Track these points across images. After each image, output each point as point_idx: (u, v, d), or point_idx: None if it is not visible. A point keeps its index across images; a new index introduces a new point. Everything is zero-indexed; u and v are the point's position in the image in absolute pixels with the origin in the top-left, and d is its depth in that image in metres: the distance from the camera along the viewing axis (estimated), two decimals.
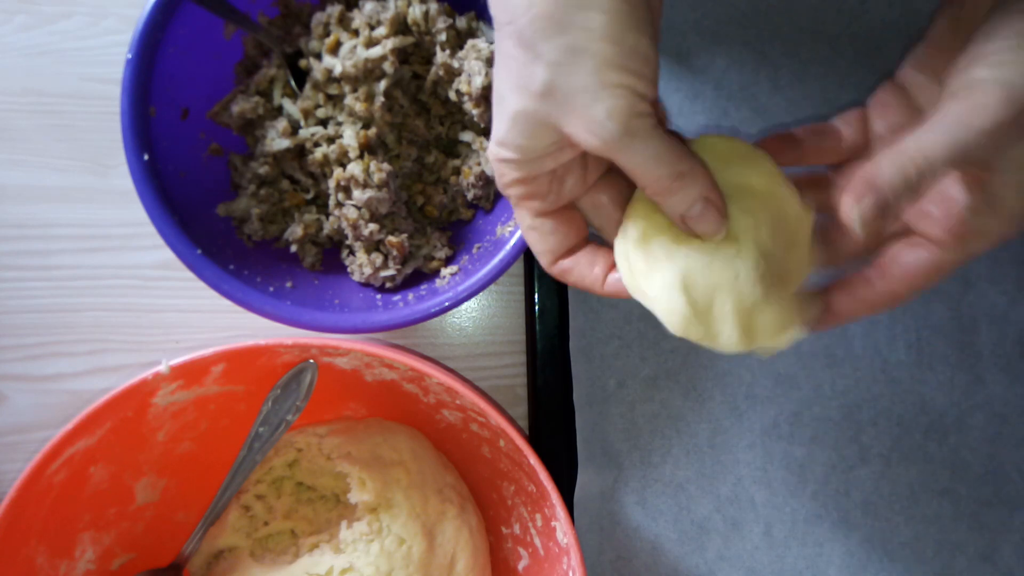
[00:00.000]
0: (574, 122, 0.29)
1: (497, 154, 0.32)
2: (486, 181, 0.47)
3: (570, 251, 0.35)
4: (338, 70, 0.45)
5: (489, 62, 0.43)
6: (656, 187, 0.30)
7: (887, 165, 0.28)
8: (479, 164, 0.47)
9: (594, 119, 0.28)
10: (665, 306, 0.31)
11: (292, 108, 0.46)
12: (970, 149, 0.28)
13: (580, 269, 0.35)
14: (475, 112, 0.45)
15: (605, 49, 0.27)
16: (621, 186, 0.34)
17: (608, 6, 0.27)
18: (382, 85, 0.44)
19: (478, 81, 0.43)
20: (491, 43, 0.44)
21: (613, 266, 0.34)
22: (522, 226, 0.35)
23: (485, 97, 0.44)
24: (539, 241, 0.35)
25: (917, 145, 0.28)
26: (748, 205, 0.32)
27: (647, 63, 0.29)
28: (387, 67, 0.44)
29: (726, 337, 0.31)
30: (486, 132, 0.47)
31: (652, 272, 0.32)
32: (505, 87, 0.30)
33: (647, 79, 0.29)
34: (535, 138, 0.30)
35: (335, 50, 0.45)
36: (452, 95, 0.45)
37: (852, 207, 0.28)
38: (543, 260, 0.35)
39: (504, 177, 0.32)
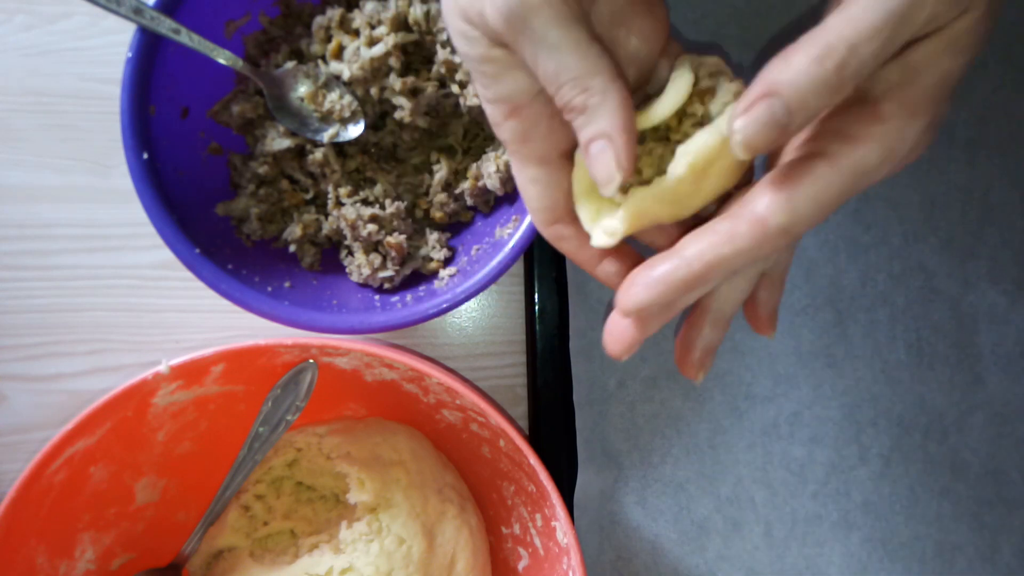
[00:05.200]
0: None
1: (479, 93, 0.28)
2: (484, 189, 0.47)
3: (571, 214, 0.30)
4: (347, 75, 0.45)
5: None
6: (558, 97, 0.26)
7: (797, 65, 0.22)
8: (480, 178, 0.47)
9: None
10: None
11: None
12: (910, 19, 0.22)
13: (578, 241, 0.31)
14: (475, 101, 0.44)
15: None
16: None
17: None
18: (391, 81, 0.45)
19: None
20: None
21: (611, 251, 0.30)
22: (520, 179, 0.30)
23: None
24: (538, 196, 0.30)
25: (839, 32, 0.22)
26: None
27: None
28: (393, 62, 0.44)
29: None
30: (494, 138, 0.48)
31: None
32: None
33: None
34: (469, 39, 0.26)
35: (338, 54, 0.46)
36: (455, 88, 0.45)
37: (739, 120, 0.23)
38: (538, 218, 0.31)
39: (493, 115, 0.28)
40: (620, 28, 0.29)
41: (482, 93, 0.29)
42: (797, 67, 0.22)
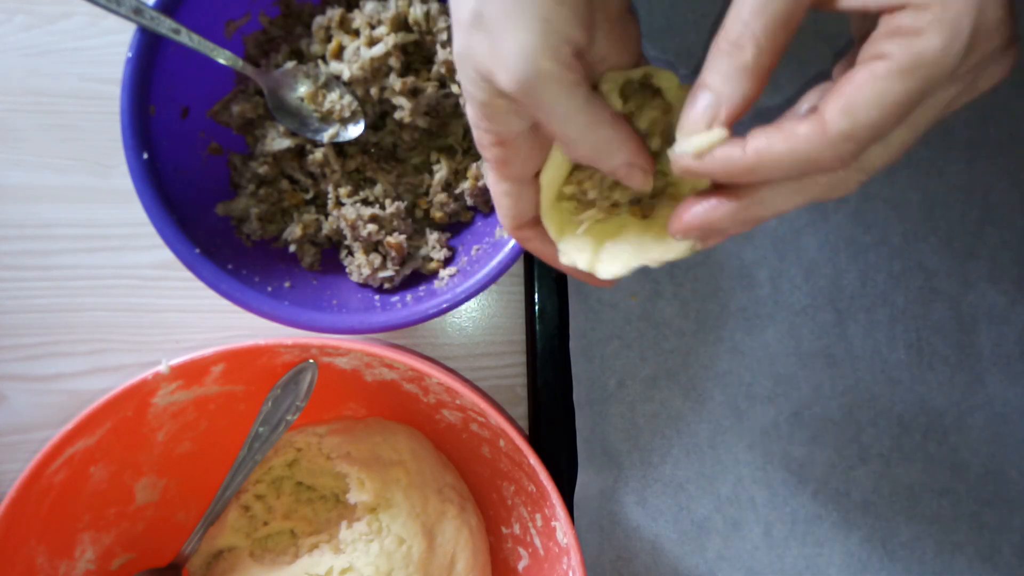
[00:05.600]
0: (496, 58, 0.26)
1: (469, 116, 0.29)
2: (484, 190, 0.47)
3: (536, 219, 0.33)
4: (346, 75, 0.45)
5: None
6: (574, 151, 0.28)
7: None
8: (480, 178, 0.47)
9: (509, 53, 0.25)
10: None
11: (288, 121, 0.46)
12: None
13: (543, 240, 0.33)
14: None
15: None
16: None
17: None
18: (391, 81, 0.45)
19: None
20: None
21: None
22: (495, 190, 0.32)
23: None
24: (509, 206, 0.32)
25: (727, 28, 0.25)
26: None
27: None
28: (393, 62, 0.44)
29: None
30: None
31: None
32: (452, 28, 0.28)
33: (576, 16, 0.25)
34: (478, 84, 0.27)
35: (338, 54, 0.46)
36: (455, 88, 0.45)
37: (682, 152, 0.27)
38: (507, 223, 0.33)
39: (480, 138, 0.30)
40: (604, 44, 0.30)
41: (475, 123, 0.30)
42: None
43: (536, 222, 0.33)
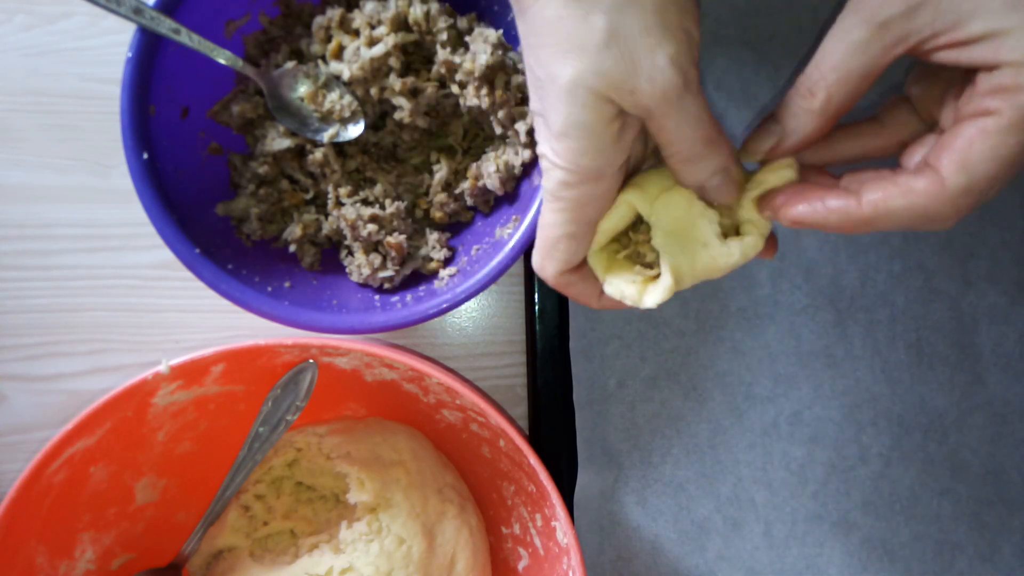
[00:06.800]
0: (636, 72, 0.27)
1: (558, 155, 0.29)
2: (484, 189, 0.47)
3: (581, 263, 0.33)
4: (346, 75, 0.45)
5: (496, 48, 0.43)
6: (686, 152, 0.29)
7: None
8: (480, 178, 0.47)
9: (656, 65, 0.27)
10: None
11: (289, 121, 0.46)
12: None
13: (583, 285, 0.34)
14: (475, 101, 0.44)
15: None
16: None
17: None
18: (391, 81, 0.45)
19: (483, 59, 0.43)
20: (499, 31, 0.44)
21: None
22: (556, 232, 0.32)
23: (488, 79, 0.43)
24: (567, 250, 0.32)
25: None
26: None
27: (697, 6, 0.28)
28: (392, 62, 0.44)
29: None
30: (491, 138, 0.48)
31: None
32: (553, 60, 0.28)
33: (698, 24, 0.28)
34: (598, 109, 0.28)
35: (338, 54, 0.46)
36: (455, 88, 0.45)
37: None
38: (556, 267, 0.33)
39: (562, 179, 0.30)
40: None
41: (574, 160, 0.29)
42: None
43: (579, 267, 0.34)
